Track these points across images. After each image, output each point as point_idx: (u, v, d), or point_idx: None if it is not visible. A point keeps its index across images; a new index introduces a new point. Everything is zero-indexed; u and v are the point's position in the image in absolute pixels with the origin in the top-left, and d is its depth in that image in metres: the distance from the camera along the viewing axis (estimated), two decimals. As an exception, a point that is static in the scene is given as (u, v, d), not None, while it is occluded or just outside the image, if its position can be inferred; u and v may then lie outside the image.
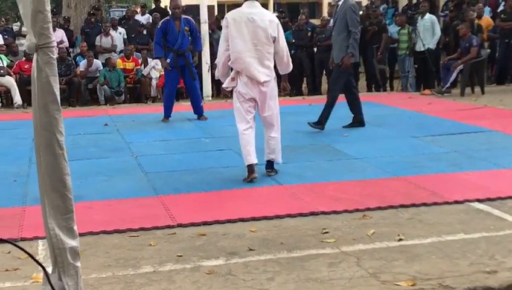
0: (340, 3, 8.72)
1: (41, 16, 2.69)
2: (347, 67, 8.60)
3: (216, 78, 7.55)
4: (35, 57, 2.76)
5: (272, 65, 6.29)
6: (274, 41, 6.23)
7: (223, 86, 6.45)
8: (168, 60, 9.90)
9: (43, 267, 2.05)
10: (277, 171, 6.45)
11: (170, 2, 10.19)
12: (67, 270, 2.91)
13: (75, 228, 2.92)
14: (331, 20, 14.69)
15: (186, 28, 9.81)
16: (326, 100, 8.98)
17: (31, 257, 1.83)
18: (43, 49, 2.73)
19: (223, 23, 6.32)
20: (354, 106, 9.03)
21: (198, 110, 10.20)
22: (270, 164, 6.43)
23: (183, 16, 9.98)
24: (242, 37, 6.15)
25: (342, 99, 11.53)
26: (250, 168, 6.17)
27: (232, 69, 6.32)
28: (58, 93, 2.74)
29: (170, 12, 10.15)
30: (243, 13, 6.24)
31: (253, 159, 6.18)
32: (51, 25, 2.77)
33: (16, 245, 1.84)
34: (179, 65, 9.86)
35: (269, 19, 6.26)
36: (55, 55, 2.82)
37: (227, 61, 6.25)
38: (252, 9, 6.25)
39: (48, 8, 2.72)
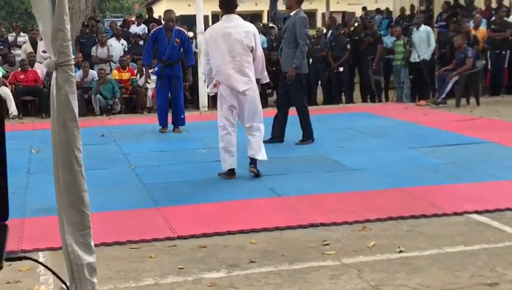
0: (291, 14, 8.73)
1: (61, 34, 2.71)
2: (291, 78, 8.56)
3: (207, 91, 7.79)
4: (54, 74, 2.77)
5: (252, 73, 6.72)
6: (252, 50, 6.69)
7: (207, 91, 7.05)
8: (156, 69, 10.16)
9: (64, 282, 2.05)
10: (259, 172, 6.77)
11: (164, 14, 10.31)
12: (85, 286, 2.91)
13: (92, 243, 2.93)
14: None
15: (176, 39, 9.83)
16: (298, 116, 8.86)
17: (54, 274, 1.83)
18: (62, 67, 2.75)
19: (202, 39, 6.83)
20: (280, 123, 8.92)
21: (176, 121, 10.11)
22: (253, 161, 6.80)
23: (176, 28, 10.04)
24: (220, 50, 6.61)
25: (335, 110, 11.61)
26: (231, 172, 6.72)
27: None
28: (76, 110, 2.76)
29: (163, 23, 10.25)
30: (219, 28, 6.78)
31: (233, 165, 6.70)
32: (70, 43, 2.79)
33: (38, 262, 1.84)
34: (166, 75, 9.94)
35: (245, 30, 6.69)
36: (73, 72, 2.84)
37: (211, 73, 6.75)
38: (228, 23, 6.72)
39: (68, 26, 2.74)
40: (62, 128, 2.70)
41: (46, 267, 1.81)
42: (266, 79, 7.22)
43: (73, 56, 2.78)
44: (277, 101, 9.59)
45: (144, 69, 10.91)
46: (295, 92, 8.72)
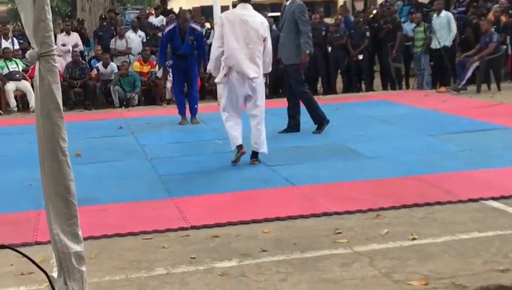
0: (287, 3, 8.66)
1: (43, 24, 2.72)
2: (304, 65, 8.52)
3: (207, 71, 7.82)
4: (37, 65, 2.78)
5: (261, 63, 6.90)
6: (264, 41, 6.87)
7: (216, 80, 7.07)
8: (171, 62, 10.28)
9: (45, 272, 2.08)
10: (260, 161, 6.99)
11: (179, 13, 10.52)
12: (73, 274, 2.93)
13: (80, 233, 2.95)
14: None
15: (190, 37, 9.95)
16: (304, 105, 8.84)
17: (33, 262, 1.85)
18: (45, 58, 2.76)
19: (219, 22, 6.90)
20: (294, 113, 8.91)
21: (192, 111, 10.29)
22: (254, 154, 6.99)
23: (191, 25, 10.09)
24: (235, 35, 6.73)
25: (354, 99, 11.54)
26: (240, 147, 6.91)
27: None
28: (60, 100, 2.77)
29: (178, 21, 10.27)
30: (237, 14, 6.88)
31: (240, 141, 6.91)
32: (52, 34, 2.80)
33: (17, 251, 1.86)
34: (181, 69, 10.10)
35: (260, 21, 6.89)
36: (58, 64, 2.85)
37: (220, 56, 6.82)
38: (245, 11, 6.88)
39: (50, 17, 2.75)
40: (46, 118, 2.71)
41: (26, 256, 1.83)
42: (269, 70, 7.24)
43: (55, 46, 2.79)
44: (285, 93, 9.54)
45: (162, 68, 10.99)
46: (295, 81, 8.69)
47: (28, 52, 2.89)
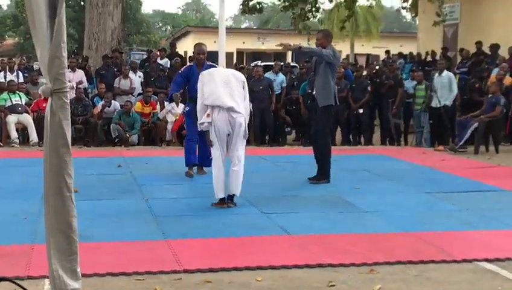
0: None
1: (57, 61, 2.76)
2: (284, 45, 8.58)
3: (199, 128, 7.66)
4: (49, 101, 2.82)
5: (241, 105, 7.16)
6: (243, 88, 7.26)
7: (199, 122, 7.28)
8: (188, 109, 9.20)
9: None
10: (235, 204, 7.21)
11: (194, 47, 9.62)
12: (69, 312, 2.92)
13: (79, 270, 2.95)
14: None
15: None
16: (318, 151, 8.84)
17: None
18: (57, 94, 2.80)
19: (200, 80, 7.31)
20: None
21: (203, 162, 9.10)
22: (231, 197, 7.24)
23: (208, 63, 9.20)
24: (214, 81, 7.15)
25: (352, 152, 11.60)
26: (222, 200, 7.18)
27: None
28: (69, 137, 2.80)
29: (194, 59, 9.44)
30: (214, 70, 7.55)
31: (222, 194, 7.18)
32: (66, 71, 2.84)
33: (18, 284, 1.86)
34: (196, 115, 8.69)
35: (239, 76, 7.38)
36: (68, 99, 2.89)
37: (204, 107, 7.16)
38: (223, 69, 7.65)
39: (65, 54, 2.80)
40: (54, 153, 2.74)
41: (20, 286, 1.83)
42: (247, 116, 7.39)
43: (68, 84, 2.82)
44: (312, 138, 9.57)
45: (174, 97, 10.49)
46: (322, 125, 8.76)
47: (41, 87, 2.92)
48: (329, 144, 8.96)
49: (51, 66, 2.75)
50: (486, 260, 5.26)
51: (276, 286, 4.62)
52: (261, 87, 14.26)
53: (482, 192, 8.21)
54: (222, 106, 7.04)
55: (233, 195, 7.23)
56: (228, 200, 7.19)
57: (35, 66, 15.98)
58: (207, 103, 7.11)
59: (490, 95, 12.72)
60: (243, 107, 7.19)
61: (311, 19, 23.29)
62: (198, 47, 9.40)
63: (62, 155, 2.77)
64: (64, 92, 2.80)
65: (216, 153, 7.18)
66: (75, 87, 14.32)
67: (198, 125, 7.39)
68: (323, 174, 8.76)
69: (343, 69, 15.25)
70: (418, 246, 5.68)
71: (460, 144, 12.30)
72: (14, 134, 13.07)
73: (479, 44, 17.18)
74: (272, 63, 16.93)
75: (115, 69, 15.28)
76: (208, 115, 7.12)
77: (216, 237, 5.92)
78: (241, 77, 7.39)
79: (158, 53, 17.14)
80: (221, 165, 7.14)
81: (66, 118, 2.80)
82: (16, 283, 1.78)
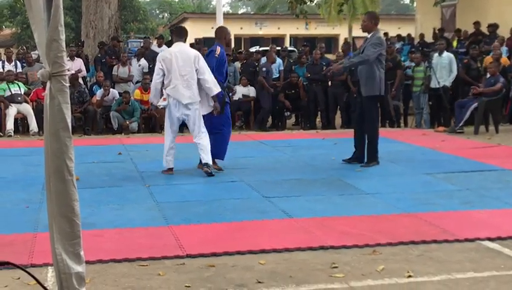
0: (369, 36, 8.79)
1: (55, 44, 2.75)
2: (328, 71, 8.76)
3: (149, 100, 9.01)
4: (48, 84, 2.81)
5: (196, 91, 8.02)
6: (197, 71, 7.97)
7: (157, 103, 8.35)
8: (221, 95, 8.32)
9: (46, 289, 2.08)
10: (209, 167, 8.07)
11: (223, 31, 8.67)
12: (73, 295, 2.93)
13: (82, 253, 2.95)
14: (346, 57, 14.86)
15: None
16: (366, 137, 8.89)
17: (38, 282, 1.85)
18: (56, 77, 2.79)
19: (158, 60, 8.18)
20: (361, 143, 8.97)
21: (217, 154, 8.51)
22: (201, 161, 8.20)
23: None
24: (172, 69, 7.95)
25: (351, 135, 11.57)
26: (170, 170, 8.24)
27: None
28: (69, 120, 2.79)
29: (224, 44, 8.60)
30: (171, 51, 8.12)
31: (171, 164, 8.31)
32: (65, 54, 2.83)
33: (24, 270, 1.86)
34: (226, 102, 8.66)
35: (194, 54, 8.05)
36: (67, 83, 2.87)
37: (160, 87, 8.20)
38: (180, 48, 8.08)
39: (63, 37, 2.78)
40: (54, 137, 2.73)
41: (27, 271, 1.84)
42: (213, 92, 8.04)
43: (67, 67, 2.81)
44: (354, 121, 9.63)
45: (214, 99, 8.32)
46: (369, 113, 8.79)
47: (39, 71, 2.91)
48: (377, 130, 8.97)
49: (49, 50, 2.74)
50: (489, 239, 5.28)
51: (279, 268, 4.63)
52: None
53: (482, 172, 8.22)
54: (180, 100, 8.00)
55: (206, 163, 8.05)
56: (200, 163, 8.27)
57: (34, 56, 15.91)
58: (168, 92, 8.04)
59: (489, 76, 12.70)
60: (197, 91, 8.02)
61: (308, 3, 23.20)
62: (229, 34, 8.78)
63: (63, 139, 2.76)
64: (63, 75, 2.79)
65: (168, 130, 8.23)
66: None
67: (154, 103, 8.47)
68: (372, 157, 8.78)
69: (341, 52, 15.25)
70: (419, 226, 5.70)
71: (460, 125, 12.30)
72: (9, 125, 13.02)
73: (477, 24, 17.15)
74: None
75: (113, 57, 15.25)
76: (164, 99, 8.18)
77: (218, 221, 5.93)
78: (195, 59, 7.98)
79: (154, 42, 17.09)
80: (172, 143, 8.23)
81: (66, 102, 2.79)
82: (21, 268, 1.79)
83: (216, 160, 8.46)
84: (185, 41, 8.38)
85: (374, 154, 8.80)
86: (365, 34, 8.92)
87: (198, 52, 8.21)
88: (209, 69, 8.04)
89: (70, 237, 2.88)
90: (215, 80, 8.04)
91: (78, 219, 2.90)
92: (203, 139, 8.11)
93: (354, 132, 9.09)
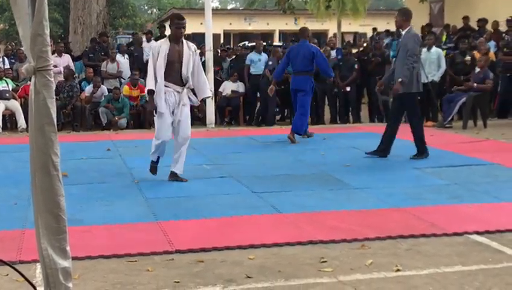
0: (403, 33, 8.80)
1: (40, 39, 2.73)
2: (396, 91, 8.73)
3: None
4: (33, 79, 2.79)
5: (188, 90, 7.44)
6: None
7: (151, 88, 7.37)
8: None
9: (35, 288, 2.07)
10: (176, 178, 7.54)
11: (306, 30, 11.11)
12: (59, 290, 2.92)
13: (68, 248, 2.94)
14: (333, 52, 14.89)
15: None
16: (412, 133, 9.07)
17: (26, 278, 1.85)
18: (41, 72, 2.77)
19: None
20: (389, 138, 9.10)
21: (297, 128, 10.72)
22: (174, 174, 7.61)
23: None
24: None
25: (341, 130, 11.59)
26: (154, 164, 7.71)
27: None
28: (54, 115, 2.78)
29: (303, 38, 10.97)
30: (166, 44, 7.36)
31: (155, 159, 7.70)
32: (49, 48, 2.81)
33: (12, 267, 1.86)
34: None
35: (193, 49, 7.42)
36: (52, 77, 2.86)
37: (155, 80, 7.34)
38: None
39: (47, 32, 2.77)
40: (39, 132, 2.72)
41: (14, 268, 1.83)
42: (204, 95, 7.63)
43: (52, 62, 2.80)
44: (388, 115, 9.88)
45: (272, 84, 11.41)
46: (410, 110, 8.96)
47: (24, 66, 2.90)
48: (421, 126, 9.15)
49: (33, 44, 2.72)
50: (477, 233, 5.31)
51: (268, 263, 4.64)
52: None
53: (470, 166, 8.26)
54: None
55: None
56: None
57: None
58: (158, 88, 7.30)
59: (478, 70, 12.74)
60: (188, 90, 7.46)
61: (295, -2, 23.21)
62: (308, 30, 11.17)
63: (48, 134, 2.74)
64: (47, 69, 2.77)
65: (158, 125, 7.51)
66: (62, 72, 14.28)
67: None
68: (422, 150, 8.92)
69: (328, 48, 15.24)
70: (408, 220, 5.72)
71: (449, 119, 12.34)
72: (-2, 122, 12.94)
73: (465, 19, 17.18)
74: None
75: (102, 53, 15.20)
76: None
77: (207, 217, 5.92)
78: (193, 55, 7.40)
79: (144, 37, 17.01)
80: (164, 141, 7.58)
81: (51, 96, 2.77)
82: (8, 265, 1.78)
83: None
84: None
85: (424, 148, 8.94)
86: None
87: (193, 45, 7.69)
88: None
89: (56, 232, 2.87)
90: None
91: (64, 214, 2.89)
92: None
93: (386, 127, 9.26)
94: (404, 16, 8.81)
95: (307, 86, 10.70)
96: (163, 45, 7.34)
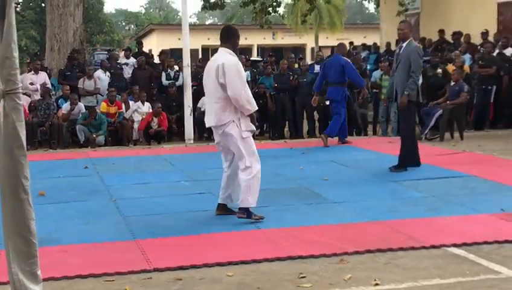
0: (403, 44, 8.83)
1: (8, 62, 2.71)
2: (402, 105, 8.76)
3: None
4: (2, 102, 2.77)
5: (224, 109, 6.23)
6: (222, 86, 6.20)
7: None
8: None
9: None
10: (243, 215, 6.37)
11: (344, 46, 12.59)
12: (30, 316, 2.88)
13: (39, 273, 2.90)
14: (317, 66, 14.97)
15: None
16: (401, 142, 9.11)
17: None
18: (10, 95, 2.75)
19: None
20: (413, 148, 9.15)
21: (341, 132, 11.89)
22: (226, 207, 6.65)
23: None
24: (205, 86, 6.49)
25: (320, 143, 11.61)
26: (217, 206, 6.62)
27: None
28: (24, 139, 2.75)
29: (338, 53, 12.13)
30: (210, 62, 6.57)
31: (219, 199, 6.61)
32: (18, 72, 2.79)
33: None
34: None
35: (217, 64, 6.25)
36: (21, 101, 2.83)
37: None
38: (215, 57, 6.49)
39: (16, 54, 2.74)
40: (9, 156, 2.69)
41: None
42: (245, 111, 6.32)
43: (21, 84, 2.77)
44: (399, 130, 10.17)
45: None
46: (406, 120, 9.02)
47: None
48: (410, 136, 9.12)
49: (1, 67, 2.70)
50: (454, 245, 5.33)
51: (247, 280, 4.62)
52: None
53: (448, 178, 8.30)
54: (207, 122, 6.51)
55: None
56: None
57: None
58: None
59: (453, 83, 12.85)
60: (225, 111, 6.25)
61: (273, 13, 23.31)
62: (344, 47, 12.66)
63: (17, 157, 2.71)
64: (16, 93, 2.75)
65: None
66: (39, 89, 14.21)
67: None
68: (403, 164, 8.93)
69: (307, 62, 15.32)
70: (386, 234, 5.73)
71: (425, 132, 12.42)
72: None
73: (441, 32, 17.36)
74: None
75: (77, 70, 15.16)
76: None
77: (186, 234, 5.89)
78: (220, 72, 6.20)
79: (121, 54, 17.00)
80: (223, 173, 6.61)
81: (20, 120, 2.74)
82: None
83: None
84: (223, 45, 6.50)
85: (405, 163, 8.94)
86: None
87: (225, 59, 6.30)
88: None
89: (27, 257, 2.83)
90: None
91: (35, 238, 2.85)
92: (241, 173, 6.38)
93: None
94: (410, 28, 8.91)
95: (339, 96, 11.68)
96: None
